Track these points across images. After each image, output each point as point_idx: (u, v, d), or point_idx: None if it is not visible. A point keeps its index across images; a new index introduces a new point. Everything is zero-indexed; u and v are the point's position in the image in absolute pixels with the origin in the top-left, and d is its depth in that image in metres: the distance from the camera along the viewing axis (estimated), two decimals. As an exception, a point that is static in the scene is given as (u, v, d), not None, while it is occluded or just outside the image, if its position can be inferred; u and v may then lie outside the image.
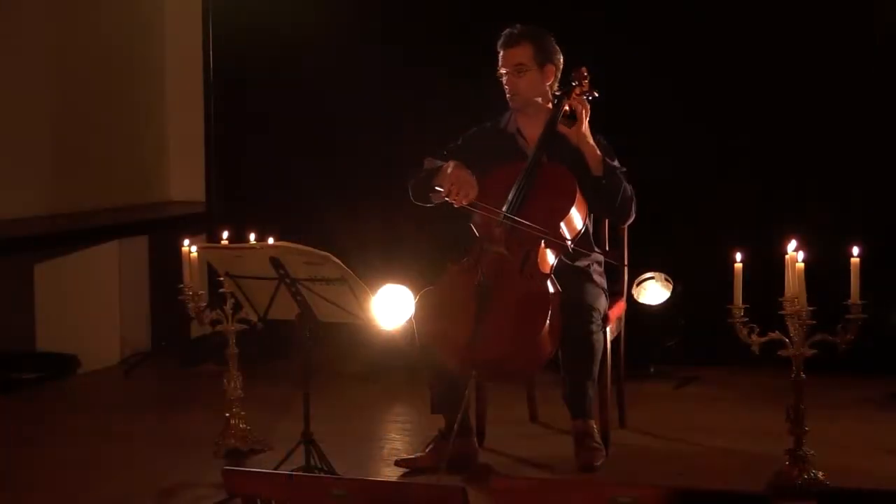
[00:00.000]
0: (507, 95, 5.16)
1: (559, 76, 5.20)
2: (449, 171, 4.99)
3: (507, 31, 5.21)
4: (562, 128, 5.05)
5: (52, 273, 6.96)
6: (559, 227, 4.94)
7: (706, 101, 6.68)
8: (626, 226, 5.28)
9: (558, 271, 4.97)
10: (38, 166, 7.13)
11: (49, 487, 4.99)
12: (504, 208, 4.97)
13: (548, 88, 5.17)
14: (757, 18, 6.58)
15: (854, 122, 6.47)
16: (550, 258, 4.96)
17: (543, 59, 5.15)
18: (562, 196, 4.99)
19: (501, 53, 5.16)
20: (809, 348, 4.54)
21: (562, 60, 5.20)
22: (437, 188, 5.00)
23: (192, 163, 7.59)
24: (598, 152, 5.03)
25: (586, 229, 5.11)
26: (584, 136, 5.02)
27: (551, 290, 4.85)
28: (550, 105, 5.15)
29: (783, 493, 4.52)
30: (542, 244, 4.93)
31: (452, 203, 4.98)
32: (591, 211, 5.14)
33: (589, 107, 5.07)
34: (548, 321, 4.75)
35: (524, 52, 5.13)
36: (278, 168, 7.35)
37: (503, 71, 5.15)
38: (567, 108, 5.07)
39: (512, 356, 4.77)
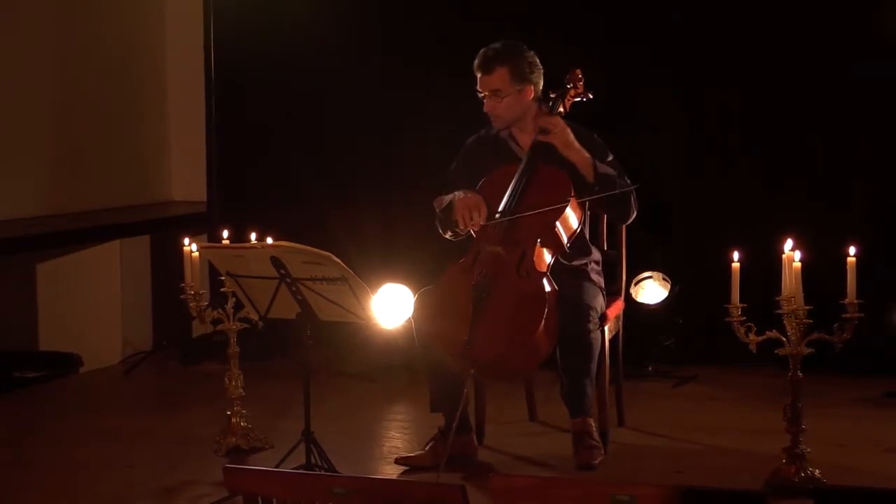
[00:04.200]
0: (489, 116, 5.16)
1: (541, 88, 5.15)
2: (456, 203, 5.01)
3: (481, 52, 5.13)
4: (543, 137, 5.04)
5: (54, 272, 6.99)
6: (555, 226, 4.96)
7: (704, 99, 6.69)
8: (627, 223, 5.29)
9: (555, 271, 4.99)
10: (40, 166, 7.16)
11: (50, 486, 5.01)
12: (500, 209, 5.00)
13: (531, 103, 5.13)
14: (755, 18, 6.59)
15: (852, 121, 6.49)
16: (547, 257, 4.99)
17: (520, 80, 5.08)
18: (557, 196, 5.00)
19: (478, 76, 5.12)
20: (806, 347, 4.56)
21: (542, 73, 5.13)
22: (455, 225, 5.03)
23: (193, 163, 7.61)
24: (587, 156, 5.02)
25: (582, 231, 5.13)
26: (570, 144, 5.02)
27: (548, 288, 4.87)
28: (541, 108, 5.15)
29: (781, 490, 4.54)
30: (539, 243, 4.96)
31: (472, 231, 5.00)
32: (592, 211, 5.15)
33: (563, 123, 5.02)
34: (544, 320, 4.77)
35: (499, 79, 5.07)
36: (279, 168, 7.36)
37: (481, 94, 5.13)
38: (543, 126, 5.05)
39: (509, 355, 4.79)
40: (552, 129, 5.00)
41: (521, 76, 5.09)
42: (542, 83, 5.15)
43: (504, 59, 5.08)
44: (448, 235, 5.16)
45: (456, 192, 5.07)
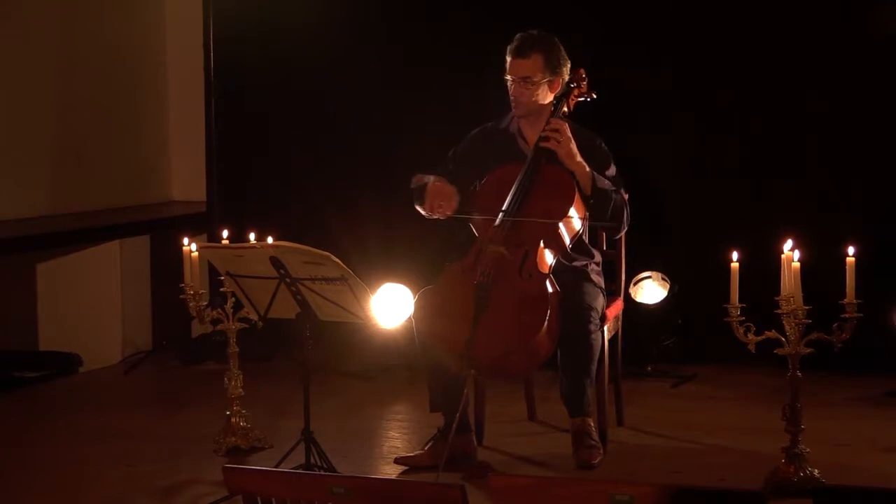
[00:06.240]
0: (511, 101, 5.16)
1: (565, 82, 5.19)
2: (428, 187, 5.05)
3: (518, 36, 5.14)
4: (546, 144, 5.03)
5: (54, 272, 6.99)
6: (558, 227, 4.97)
7: (703, 99, 6.70)
8: (617, 237, 5.31)
9: (556, 271, 4.99)
10: (40, 166, 7.16)
11: (50, 485, 5.02)
12: (503, 208, 5.01)
13: (552, 96, 5.16)
14: (755, 17, 6.59)
15: (852, 120, 6.49)
16: (549, 258, 4.99)
17: (552, 71, 5.10)
18: (560, 197, 5.00)
19: (510, 60, 5.11)
20: (805, 347, 4.57)
21: (569, 68, 5.17)
22: (420, 207, 5.08)
23: (192, 163, 7.62)
24: (587, 169, 5.02)
25: (583, 232, 5.13)
26: (572, 154, 5.02)
27: (550, 290, 4.88)
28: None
29: (780, 490, 4.54)
30: (542, 244, 4.96)
31: (438, 218, 5.04)
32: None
33: (569, 132, 5.04)
34: (546, 321, 4.78)
35: (533, 65, 5.08)
36: (278, 168, 7.38)
37: (509, 78, 5.14)
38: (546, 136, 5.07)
39: (510, 356, 4.79)
40: (558, 136, 5.00)
41: (554, 67, 5.11)
42: (567, 76, 5.17)
43: (541, 47, 5.10)
44: (420, 209, 5.17)
45: (431, 177, 5.10)
